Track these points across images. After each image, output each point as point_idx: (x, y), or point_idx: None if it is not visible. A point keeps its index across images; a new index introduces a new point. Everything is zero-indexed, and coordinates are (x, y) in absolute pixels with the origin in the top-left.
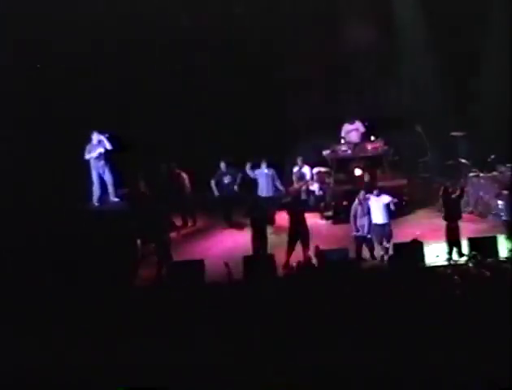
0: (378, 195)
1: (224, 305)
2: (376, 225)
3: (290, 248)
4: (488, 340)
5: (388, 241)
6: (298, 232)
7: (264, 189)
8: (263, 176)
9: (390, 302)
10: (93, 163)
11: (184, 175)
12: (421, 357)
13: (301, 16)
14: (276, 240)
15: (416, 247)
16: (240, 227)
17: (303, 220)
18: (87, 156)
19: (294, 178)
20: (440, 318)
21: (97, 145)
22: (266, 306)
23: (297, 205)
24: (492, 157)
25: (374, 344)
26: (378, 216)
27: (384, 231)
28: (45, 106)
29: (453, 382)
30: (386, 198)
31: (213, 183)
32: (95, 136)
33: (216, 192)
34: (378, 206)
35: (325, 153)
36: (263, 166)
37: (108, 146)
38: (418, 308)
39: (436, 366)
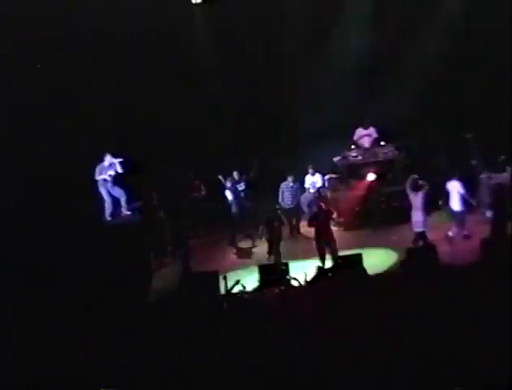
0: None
1: (238, 315)
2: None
3: (321, 256)
4: (487, 339)
5: None
6: (326, 242)
7: (289, 202)
8: (288, 190)
9: (399, 302)
10: (100, 183)
11: (202, 187)
12: (421, 357)
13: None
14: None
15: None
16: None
17: (329, 229)
18: (97, 177)
19: (307, 186)
20: (441, 316)
21: (109, 168)
22: (278, 316)
23: (323, 220)
24: (503, 157)
25: (374, 343)
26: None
27: None
28: (59, 120)
29: (453, 382)
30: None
31: (229, 192)
32: (108, 158)
33: (230, 200)
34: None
35: (336, 159)
36: (290, 179)
37: (119, 170)
38: (419, 306)
39: (436, 366)
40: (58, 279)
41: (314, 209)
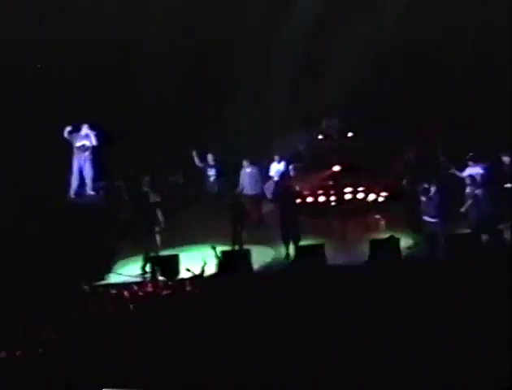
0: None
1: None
2: None
3: (286, 242)
4: (487, 340)
5: None
6: (292, 227)
7: (248, 188)
8: (246, 176)
9: (375, 299)
10: (75, 153)
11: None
12: (421, 357)
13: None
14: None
15: (393, 242)
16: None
17: (296, 213)
18: (67, 136)
19: (272, 174)
20: (439, 316)
21: (84, 137)
22: (241, 302)
23: (289, 201)
24: (471, 154)
25: (371, 343)
26: None
27: None
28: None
29: (453, 382)
30: None
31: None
32: (84, 129)
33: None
34: None
35: (302, 148)
36: (245, 164)
37: (94, 142)
38: (411, 305)
39: (436, 366)
40: (13, 259)
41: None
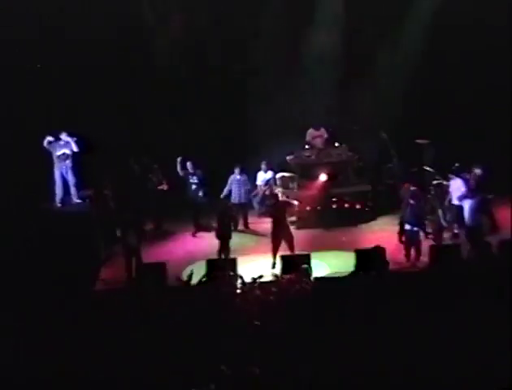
0: None
1: (184, 307)
2: None
3: (274, 251)
4: (487, 340)
5: None
6: (283, 237)
7: (236, 196)
8: (235, 183)
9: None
10: (56, 163)
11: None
12: (421, 357)
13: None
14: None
15: (378, 253)
16: (204, 230)
17: (286, 225)
18: (46, 145)
19: (258, 183)
20: (439, 319)
21: (64, 146)
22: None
23: (280, 210)
24: (457, 165)
25: (371, 345)
26: None
27: None
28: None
29: (454, 382)
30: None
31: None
32: (63, 137)
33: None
34: None
35: (289, 158)
36: (236, 171)
37: (74, 149)
38: (401, 312)
39: (436, 366)
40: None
41: (270, 200)
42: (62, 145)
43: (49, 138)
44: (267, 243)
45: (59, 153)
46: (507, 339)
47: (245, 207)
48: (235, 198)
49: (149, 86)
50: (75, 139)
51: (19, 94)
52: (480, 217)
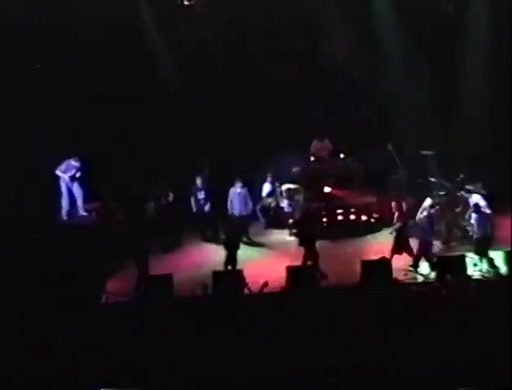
0: None
1: (194, 318)
2: None
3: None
4: (487, 340)
5: None
6: (311, 257)
7: (237, 209)
8: (236, 196)
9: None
10: (62, 178)
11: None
12: (421, 358)
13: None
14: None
15: (384, 264)
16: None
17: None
18: (58, 172)
19: (264, 194)
20: (437, 322)
21: (72, 169)
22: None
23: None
24: (462, 176)
25: (373, 345)
26: None
27: None
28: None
29: (454, 382)
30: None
31: (192, 200)
32: (73, 162)
33: (194, 209)
34: None
35: (295, 170)
36: (238, 185)
37: (78, 174)
38: (404, 318)
39: (437, 366)
40: (7, 280)
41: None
42: (71, 168)
43: (62, 167)
44: (272, 254)
45: (67, 175)
46: (507, 339)
47: (245, 220)
48: (236, 211)
49: (156, 100)
50: (84, 164)
51: (20, 100)
52: (489, 229)
